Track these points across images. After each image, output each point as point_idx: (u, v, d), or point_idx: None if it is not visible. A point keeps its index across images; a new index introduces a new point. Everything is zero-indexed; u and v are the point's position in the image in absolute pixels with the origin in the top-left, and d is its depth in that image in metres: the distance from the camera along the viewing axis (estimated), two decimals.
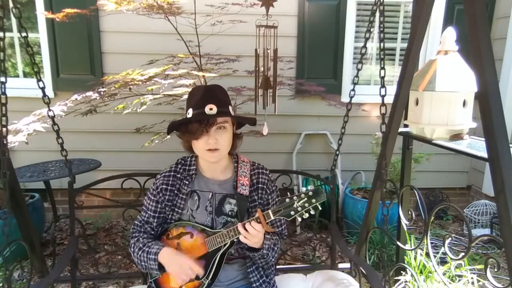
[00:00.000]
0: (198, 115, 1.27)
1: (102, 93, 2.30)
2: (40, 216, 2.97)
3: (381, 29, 1.55)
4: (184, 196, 1.40)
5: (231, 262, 1.43)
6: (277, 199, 1.46)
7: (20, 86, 3.21)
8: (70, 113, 2.28)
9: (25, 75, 3.40)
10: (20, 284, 2.37)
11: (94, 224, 3.31)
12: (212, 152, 1.30)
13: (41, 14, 2.97)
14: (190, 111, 1.30)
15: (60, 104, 2.24)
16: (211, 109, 1.26)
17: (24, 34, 1.46)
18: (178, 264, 1.30)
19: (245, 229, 1.26)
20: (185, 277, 1.30)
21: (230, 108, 1.34)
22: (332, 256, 1.97)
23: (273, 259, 1.43)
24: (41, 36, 3.19)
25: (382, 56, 1.57)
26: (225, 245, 1.33)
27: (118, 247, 2.92)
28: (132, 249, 1.40)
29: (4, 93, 1.38)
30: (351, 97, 1.80)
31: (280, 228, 1.49)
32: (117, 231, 3.24)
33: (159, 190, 1.41)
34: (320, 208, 1.26)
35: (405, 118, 1.81)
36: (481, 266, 2.35)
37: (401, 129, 1.78)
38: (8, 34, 3.31)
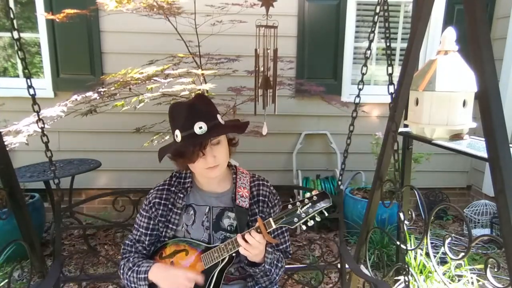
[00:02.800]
0: (189, 139, 1.18)
1: (102, 93, 2.30)
2: (40, 216, 2.97)
3: (387, 28, 1.56)
4: (178, 211, 1.31)
5: (231, 283, 1.32)
6: None
7: (20, 86, 3.21)
8: (70, 113, 2.28)
9: (25, 75, 3.40)
10: (20, 284, 2.37)
11: (93, 224, 3.30)
12: (213, 169, 1.23)
13: (41, 15, 2.97)
14: (178, 133, 1.21)
15: (60, 104, 2.24)
16: (200, 127, 1.17)
17: (16, 36, 1.45)
18: (171, 278, 1.20)
19: (244, 240, 1.17)
20: None
21: (219, 116, 1.25)
22: (342, 281, 1.80)
23: (277, 277, 1.31)
24: (41, 36, 3.19)
25: (388, 53, 1.58)
26: (223, 260, 1.23)
27: (118, 247, 2.92)
28: (121, 271, 1.30)
29: None
30: (356, 103, 1.77)
31: (283, 246, 1.38)
32: (117, 231, 3.24)
33: (151, 205, 1.32)
34: (326, 214, 1.18)
35: (405, 118, 1.81)
36: (481, 266, 2.35)
37: (401, 129, 1.78)
38: (8, 34, 3.31)
